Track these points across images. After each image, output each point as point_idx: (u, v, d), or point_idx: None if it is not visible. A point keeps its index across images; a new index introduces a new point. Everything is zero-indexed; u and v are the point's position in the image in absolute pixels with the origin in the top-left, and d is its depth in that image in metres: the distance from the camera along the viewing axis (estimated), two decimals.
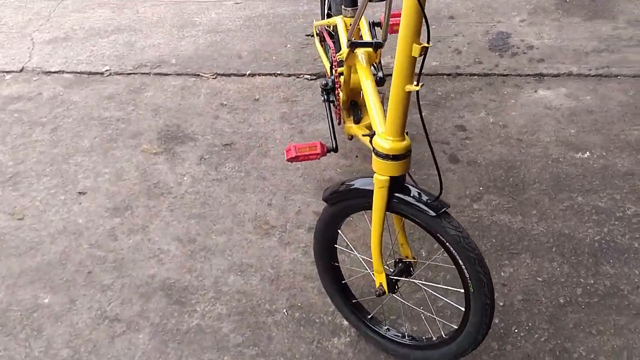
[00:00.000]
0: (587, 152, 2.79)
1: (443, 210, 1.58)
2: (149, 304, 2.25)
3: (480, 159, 2.79)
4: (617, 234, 2.38)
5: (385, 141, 1.56)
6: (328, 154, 2.24)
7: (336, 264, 2.03)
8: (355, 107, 2.47)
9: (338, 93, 2.37)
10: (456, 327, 1.78)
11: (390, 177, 1.58)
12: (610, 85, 3.26)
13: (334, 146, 2.26)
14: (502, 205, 2.55)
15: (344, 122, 2.47)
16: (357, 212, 1.83)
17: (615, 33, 3.72)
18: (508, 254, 2.33)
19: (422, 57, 1.40)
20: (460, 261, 1.60)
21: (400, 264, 1.87)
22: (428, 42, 1.38)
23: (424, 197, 1.62)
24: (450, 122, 3.06)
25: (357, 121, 2.42)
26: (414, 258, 1.90)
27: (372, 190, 1.64)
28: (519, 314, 2.11)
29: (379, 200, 1.63)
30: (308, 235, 2.47)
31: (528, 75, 3.38)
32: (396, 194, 1.62)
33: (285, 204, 2.65)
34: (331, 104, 2.46)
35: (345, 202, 1.79)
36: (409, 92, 1.46)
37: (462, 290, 1.68)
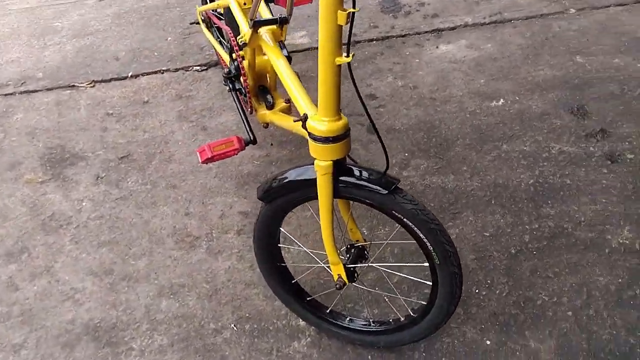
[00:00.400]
0: (501, 100, 2.86)
1: (394, 186, 1.51)
2: (74, 354, 2.00)
3: (398, 125, 2.77)
4: (548, 175, 2.45)
5: (322, 123, 1.44)
6: (247, 147, 2.10)
7: (283, 264, 1.90)
8: (265, 92, 2.33)
9: (245, 80, 2.22)
10: (425, 304, 1.74)
11: (333, 161, 1.48)
12: (507, 30, 3.37)
13: (252, 137, 2.12)
14: (431, 168, 2.54)
15: (256, 111, 2.32)
16: (300, 204, 1.71)
17: None
18: (449, 215, 2.33)
19: (349, 24, 1.30)
20: (421, 235, 1.53)
21: (353, 250, 1.78)
22: (354, 7, 1.28)
23: (372, 176, 1.53)
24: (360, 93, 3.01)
25: (270, 107, 2.28)
26: (364, 240, 1.83)
27: (314, 179, 1.54)
28: (475, 273, 2.11)
29: (324, 188, 1.52)
30: (239, 239, 2.32)
31: (426, 32, 3.41)
32: (341, 178, 1.52)
33: (205, 210, 2.47)
34: (238, 93, 2.30)
35: (284, 197, 1.66)
36: (340, 66, 1.35)
37: (427, 264, 1.63)
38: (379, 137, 1.50)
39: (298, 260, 2.18)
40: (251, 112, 2.31)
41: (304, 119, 1.54)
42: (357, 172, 1.55)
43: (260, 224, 1.76)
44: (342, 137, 1.46)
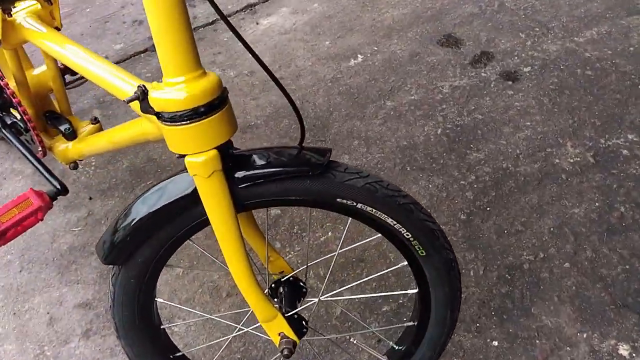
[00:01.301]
0: (359, 55, 2.47)
1: (327, 158, 0.99)
2: None
3: (252, 120, 2.24)
4: (454, 117, 2.10)
5: (176, 87, 0.87)
6: (55, 202, 1.41)
7: (177, 355, 1.26)
8: (56, 119, 1.65)
9: (22, 109, 1.52)
10: (413, 324, 1.22)
11: (217, 148, 0.91)
12: None
13: (58, 186, 1.43)
14: None
15: (51, 149, 1.63)
16: (180, 245, 1.09)
17: None
18: None
19: None
20: (388, 220, 1.02)
21: (283, 288, 1.21)
22: None
23: (284, 156, 0.99)
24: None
25: (71, 136, 1.61)
26: (291, 268, 1.26)
27: (191, 193, 0.96)
28: None
29: (217, 198, 0.95)
30: (90, 345, 1.59)
31: (237, 11, 2.93)
32: (238, 174, 0.96)
33: (23, 323, 1.70)
34: (15, 132, 1.60)
35: (148, 243, 1.04)
36: None
37: (404, 263, 1.12)
38: (284, 91, 0.97)
39: (196, 339, 1.54)
40: (45, 154, 1.61)
41: (142, 94, 0.94)
42: (258, 158, 0.99)
43: (119, 304, 1.11)
44: (218, 102, 0.90)
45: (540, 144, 1.94)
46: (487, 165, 1.89)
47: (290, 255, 1.72)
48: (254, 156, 1.00)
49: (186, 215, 1.01)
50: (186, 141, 0.90)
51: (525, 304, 1.52)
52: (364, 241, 1.28)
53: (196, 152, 0.91)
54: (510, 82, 2.20)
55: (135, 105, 0.99)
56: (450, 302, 1.15)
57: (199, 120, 0.88)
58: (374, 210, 1.02)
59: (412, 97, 2.20)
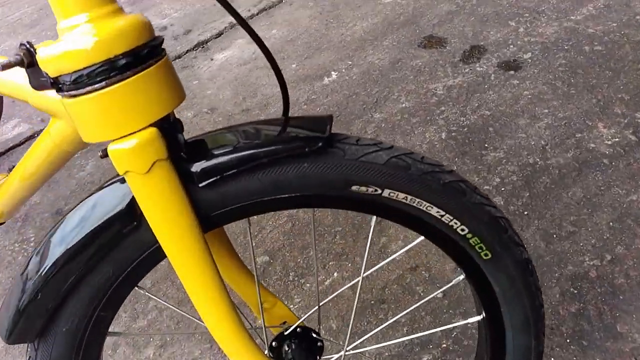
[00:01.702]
0: (333, 72, 2.19)
1: (329, 126, 0.68)
2: None
3: None
4: (456, 118, 1.78)
5: (78, 31, 0.55)
6: None
7: None
8: None
9: None
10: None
11: (155, 125, 0.59)
12: (285, 10, 2.76)
13: None
14: None
15: None
16: (124, 296, 0.74)
17: None
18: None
19: None
20: (433, 209, 0.70)
21: (290, 344, 0.86)
22: None
23: (263, 133, 0.68)
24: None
25: None
26: (297, 317, 0.92)
27: (127, 209, 0.63)
28: None
29: (170, 205, 0.61)
30: None
31: (188, 51, 2.65)
32: (195, 167, 0.64)
33: None
34: None
35: (75, 297, 0.69)
36: None
37: (460, 277, 0.79)
38: (274, 65, 0.67)
39: None
40: None
41: (26, 55, 0.62)
42: (224, 139, 0.67)
43: None
44: (148, 52, 0.58)
45: (567, 130, 1.65)
46: (510, 163, 1.58)
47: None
48: (218, 137, 0.68)
49: (124, 245, 0.67)
50: (104, 118, 0.57)
51: (607, 322, 1.18)
52: (387, 260, 0.92)
53: (122, 134, 0.58)
54: (512, 72, 1.93)
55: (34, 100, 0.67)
56: (533, 324, 0.82)
57: (120, 80, 0.56)
58: (408, 197, 0.69)
59: (403, 105, 1.91)
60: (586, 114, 1.68)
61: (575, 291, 1.24)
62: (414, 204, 0.70)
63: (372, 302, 1.33)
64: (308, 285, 1.40)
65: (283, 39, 2.50)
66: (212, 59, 2.50)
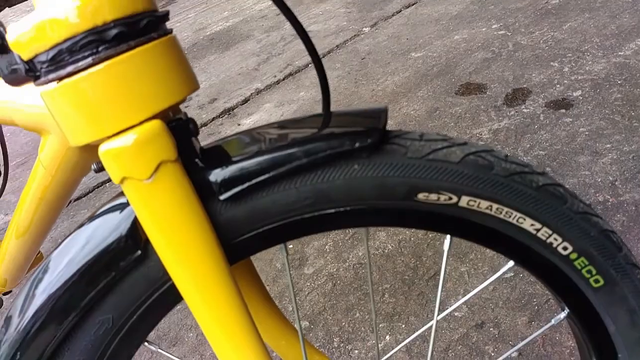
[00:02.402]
0: None
1: (384, 119, 0.53)
2: None
3: None
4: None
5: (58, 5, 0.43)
6: None
7: None
8: None
9: None
10: None
11: (160, 116, 0.46)
12: (311, 74, 2.71)
13: None
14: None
15: None
16: (130, 357, 0.58)
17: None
18: None
19: None
20: (525, 222, 0.54)
21: None
22: None
23: (300, 130, 0.54)
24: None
25: None
26: None
27: (130, 233, 0.49)
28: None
29: (184, 222, 0.47)
30: None
31: (213, 119, 2.57)
32: (214, 175, 0.49)
33: None
34: None
35: (66, 355, 0.53)
36: None
37: (562, 315, 0.61)
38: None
39: None
40: None
41: None
42: (250, 140, 0.53)
43: None
44: (148, 23, 0.45)
45: (637, 164, 1.47)
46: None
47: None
48: (241, 139, 0.54)
49: (126, 284, 0.51)
50: (93, 108, 0.44)
51: None
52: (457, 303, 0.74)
53: (117, 129, 0.45)
54: (563, 110, 1.78)
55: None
56: None
57: (111, 56, 0.43)
58: (493, 206, 0.54)
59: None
60: None
61: None
62: (501, 216, 0.54)
63: None
64: (356, 351, 1.22)
65: (312, 99, 2.41)
66: (239, 124, 2.42)
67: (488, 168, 0.53)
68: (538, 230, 0.54)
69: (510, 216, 0.54)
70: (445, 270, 0.60)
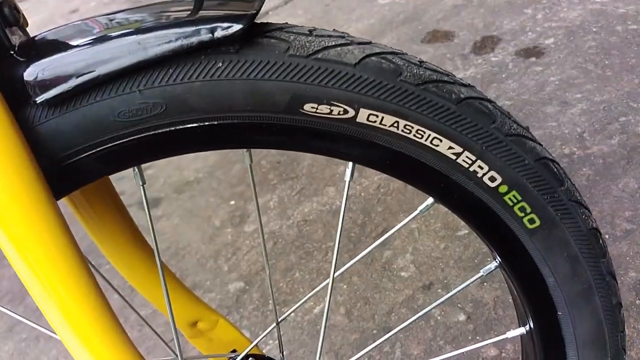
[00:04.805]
0: None
1: (258, 5, 0.42)
2: None
3: (196, 175, 1.67)
4: None
5: None
6: None
7: None
8: None
9: None
10: None
11: None
12: (270, 20, 2.59)
13: None
14: None
15: None
16: None
17: None
18: None
19: None
20: (449, 142, 0.44)
21: None
22: None
23: (156, 16, 0.43)
24: None
25: None
26: (249, 339, 0.65)
27: None
28: None
29: None
30: None
31: None
32: (31, 71, 0.39)
33: None
34: None
35: None
36: None
37: (492, 266, 0.53)
38: None
39: None
40: None
41: None
42: (88, 25, 0.42)
43: None
44: None
45: (607, 115, 1.39)
46: None
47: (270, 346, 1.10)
48: (75, 28, 0.43)
49: None
50: None
51: None
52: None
53: None
54: (533, 59, 1.68)
55: None
56: (609, 333, 0.55)
57: None
58: (400, 123, 0.43)
59: None
60: (629, 96, 1.43)
61: None
62: (411, 136, 0.44)
63: (375, 331, 1.05)
64: (292, 315, 1.13)
65: None
66: None
67: (394, 73, 0.42)
68: (458, 155, 0.44)
69: (422, 136, 0.44)
70: (344, 209, 0.51)
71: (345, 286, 1.16)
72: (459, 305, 1.06)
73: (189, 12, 0.43)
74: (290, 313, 0.65)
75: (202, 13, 0.41)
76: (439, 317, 1.05)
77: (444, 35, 1.96)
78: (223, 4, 0.44)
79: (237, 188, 1.54)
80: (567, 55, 1.66)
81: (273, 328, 0.57)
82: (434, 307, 0.72)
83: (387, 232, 1.25)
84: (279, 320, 0.58)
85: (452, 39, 1.93)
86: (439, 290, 1.09)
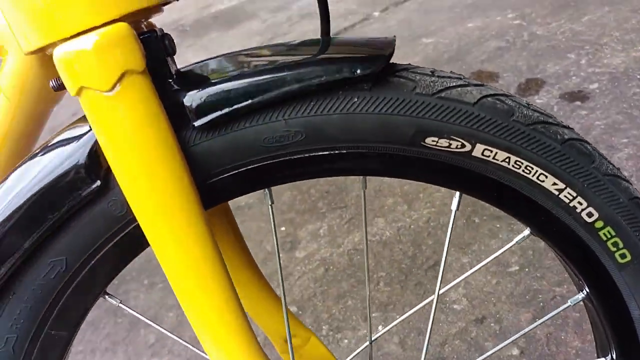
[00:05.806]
0: None
1: (390, 50, 0.47)
2: None
3: (247, 200, 1.73)
4: None
5: None
6: None
7: None
8: None
9: None
10: None
11: (128, 19, 0.39)
12: None
13: None
14: None
15: None
16: (87, 309, 0.52)
17: None
18: None
19: None
20: (553, 179, 0.47)
21: None
22: None
23: (292, 55, 0.48)
24: None
25: None
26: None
27: (89, 161, 0.43)
28: None
29: (156, 142, 0.41)
30: None
31: None
32: (189, 98, 0.43)
33: None
34: None
35: (11, 302, 0.47)
36: None
37: (579, 296, 0.56)
38: None
39: None
40: None
41: None
42: (233, 64, 0.47)
43: None
44: None
45: None
46: None
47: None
48: (225, 61, 0.48)
49: (83, 220, 0.45)
50: (49, 2, 0.38)
51: None
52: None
53: (75, 30, 0.39)
54: (578, 102, 1.72)
55: None
56: None
57: None
58: (511, 159, 0.47)
59: None
60: None
61: None
62: (520, 171, 0.48)
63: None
64: (346, 341, 1.16)
65: None
66: None
67: (508, 113, 0.47)
68: (561, 191, 0.48)
69: (530, 172, 0.48)
70: (450, 236, 0.54)
71: (397, 316, 1.19)
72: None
73: (315, 53, 0.47)
74: (384, 332, 0.68)
75: (341, 54, 0.46)
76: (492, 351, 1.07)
77: (489, 76, 2.01)
78: (357, 44, 0.49)
79: (287, 215, 1.58)
80: (612, 101, 1.69)
81: (366, 347, 0.60)
82: (520, 336, 0.74)
83: (438, 265, 1.28)
84: (372, 339, 0.61)
85: (497, 79, 1.98)
86: (492, 325, 1.11)
